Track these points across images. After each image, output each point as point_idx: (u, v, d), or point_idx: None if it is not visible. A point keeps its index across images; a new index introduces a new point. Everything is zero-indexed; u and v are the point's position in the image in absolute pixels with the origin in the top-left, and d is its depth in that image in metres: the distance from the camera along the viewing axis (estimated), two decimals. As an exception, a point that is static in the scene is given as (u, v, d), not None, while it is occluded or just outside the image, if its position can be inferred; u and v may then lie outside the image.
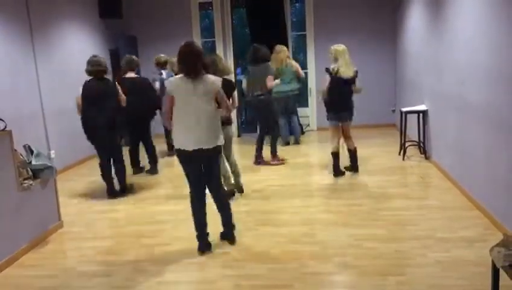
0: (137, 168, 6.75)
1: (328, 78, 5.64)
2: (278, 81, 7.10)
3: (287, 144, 8.09)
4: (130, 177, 6.22)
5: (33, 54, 6.50)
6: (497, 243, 2.43)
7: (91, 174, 6.55)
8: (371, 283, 3.27)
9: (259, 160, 6.82)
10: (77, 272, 3.73)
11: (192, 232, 3.94)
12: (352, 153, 6.02)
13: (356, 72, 5.67)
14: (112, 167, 5.61)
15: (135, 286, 3.41)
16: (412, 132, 6.99)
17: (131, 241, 4.30)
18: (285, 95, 7.81)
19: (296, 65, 7.99)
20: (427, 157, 6.52)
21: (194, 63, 3.65)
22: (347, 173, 6.01)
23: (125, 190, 5.67)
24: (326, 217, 4.60)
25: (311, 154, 7.70)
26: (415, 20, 7.28)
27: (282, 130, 8.00)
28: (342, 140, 5.92)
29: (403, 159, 6.62)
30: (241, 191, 5.40)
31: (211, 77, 3.80)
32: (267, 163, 6.78)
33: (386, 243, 3.90)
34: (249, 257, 3.79)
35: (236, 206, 5.04)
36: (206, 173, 3.87)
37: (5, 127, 3.97)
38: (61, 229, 4.66)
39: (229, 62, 9.22)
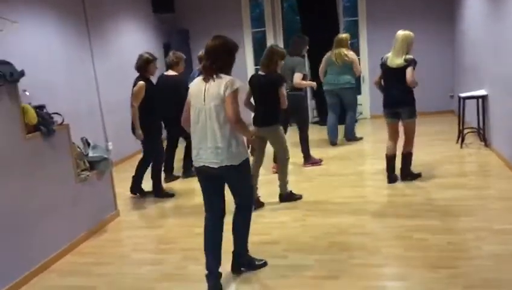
0: (170, 175, 6.19)
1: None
2: (313, 84, 6.39)
3: (334, 144, 7.29)
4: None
5: (90, 49, 6.78)
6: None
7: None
8: (422, 276, 3.17)
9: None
10: (131, 259, 3.89)
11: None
12: (402, 157, 5.22)
13: (408, 61, 4.83)
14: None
15: (185, 274, 3.51)
16: (471, 119, 6.68)
17: (182, 230, 4.42)
18: (338, 88, 7.17)
19: (353, 58, 7.12)
20: (486, 145, 6.22)
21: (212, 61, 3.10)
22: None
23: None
24: (377, 208, 4.51)
25: (364, 141, 7.48)
26: (475, 4, 6.91)
27: (330, 129, 7.36)
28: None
29: (461, 146, 6.35)
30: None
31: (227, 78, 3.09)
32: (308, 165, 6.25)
33: (438, 234, 3.77)
34: (295, 247, 3.78)
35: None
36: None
37: (63, 121, 4.17)
38: (118, 218, 4.86)
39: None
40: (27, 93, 4.04)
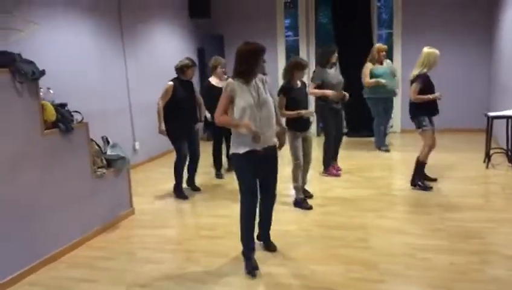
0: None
1: None
2: (329, 92, 6.01)
3: (386, 151, 7.56)
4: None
5: (123, 51, 7.02)
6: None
7: (171, 167, 6.84)
8: (415, 295, 3.14)
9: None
10: (136, 257, 4.01)
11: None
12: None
13: (414, 76, 5.19)
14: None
15: (184, 275, 3.59)
16: (502, 139, 6.48)
17: (190, 232, 4.52)
18: (386, 96, 7.44)
19: (391, 65, 7.69)
20: (514, 167, 6.02)
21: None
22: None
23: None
24: (387, 223, 4.45)
25: (390, 158, 7.39)
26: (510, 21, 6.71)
27: (378, 135, 7.64)
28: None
29: (487, 167, 6.17)
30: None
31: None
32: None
33: (442, 254, 3.69)
34: (295, 256, 3.80)
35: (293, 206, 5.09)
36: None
37: (82, 119, 4.36)
38: (132, 216, 5.01)
39: (311, 60, 9.23)
40: (51, 91, 4.23)
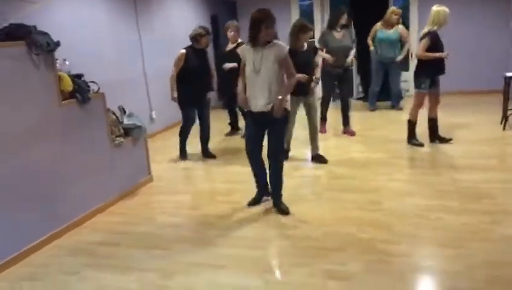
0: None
1: None
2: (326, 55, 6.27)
3: (373, 110, 8.15)
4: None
5: (136, 20, 7.04)
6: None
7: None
8: (424, 253, 3.22)
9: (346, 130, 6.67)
10: (155, 221, 4.16)
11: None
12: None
13: (423, 34, 5.31)
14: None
15: (199, 237, 3.73)
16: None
17: (206, 197, 4.65)
18: (384, 61, 7.74)
19: (403, 31, 7.74)
20: (531, 128, 5.97)
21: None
22: (433, 143, 5.75)
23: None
24: (399, 186, 4.51)
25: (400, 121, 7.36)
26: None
27: (370, 95, 8.17)
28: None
29: (504, 128, 6.12)
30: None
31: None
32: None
33: (454, 215, 3.75)
34: (310, 219, 3.89)
35: (308, 170, 5.17)
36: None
37: (98, 89, 4.45)
38: (151, 183, 5.15)
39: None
40: (67, 62, 4.31)
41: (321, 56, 6.00)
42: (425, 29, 5.27)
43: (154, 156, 5.78)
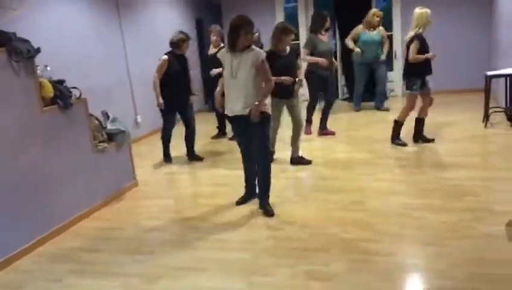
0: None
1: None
2: (319, 60, 6.15)
3: (358, 110, 8.26)
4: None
5: (119, 23, 7.02)
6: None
7: (173, 139, 6.91)
8: (407, 252, 3.24)
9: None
10: (141, 226, 4.14)
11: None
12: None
13: (411, 37, 5.32)
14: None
15: (182, 240, 3.72)
16: (502, 99, 6.48)
17: (190, 201, 4.65)
18: (368, 62, 7.84)
19: (384, 32, 7.88)
20: (512, 125, 6.05)
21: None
22: (417, 142, 5.80)
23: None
24: (383, 186, 4.54)
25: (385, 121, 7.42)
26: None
27: (355, 96, 8.25)
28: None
29: (485, 126, 6.20)
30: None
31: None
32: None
33: (437, 213, 3.78)
34: (294, 220, 3.90)
35: (293, 171, 5.19)
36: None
37: (80, 95, 4.43)
38: (136, 188, 5.14)
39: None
40: (49, 68, 4.30)
41: (313, 60, 6.05)
42: (411, 33, 5.31)
43: (139, 161, 5.78)
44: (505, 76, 6.15)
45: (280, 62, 4.88)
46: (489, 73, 6.31)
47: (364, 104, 8.39)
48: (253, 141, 4.03)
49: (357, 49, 7.76)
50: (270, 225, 3.86)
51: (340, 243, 3.44)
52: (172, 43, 5.56)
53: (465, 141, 5.71)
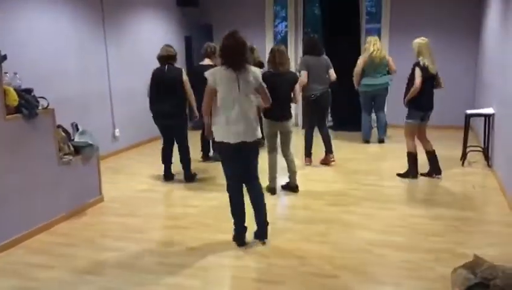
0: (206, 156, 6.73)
1: (419, 73, 5.29)
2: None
3: (367, 141, 7.76)
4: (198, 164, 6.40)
5: (104, 38, 6.96)
6: (463, 264, 2.23)
7: (152, 155, 6.77)
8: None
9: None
10: (97, 244, 4.02)
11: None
12: (434, 155, 5.68)
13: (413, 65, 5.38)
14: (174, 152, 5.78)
15: (137, 263, 3.61)
16: (481, 137, 6.47)
17: (156, 221, 4.54)
18: (376, 89, 7.51)
19: (389, 58, 7.60)
20: (489, 165, 6.00)
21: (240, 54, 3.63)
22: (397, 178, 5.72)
23: (190, 178, 5.78)
24: (350, 219, 4.45)
25: (374, 152, 7.39)
26: (491, 18, 6.69)
27: (364, 127, 7.77)
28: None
29: (462, 164, 6.16)
30: (294, 189, 5.27)
31: (253, 68, 3.78)
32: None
33: (399, 251, 3.71)
34: (254, 250, 3.80)
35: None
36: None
37: (48, 105, 4.34)
38: (101, 204, 5.01)
39: (299, 51, 9.16)
40: (18, 76, 4.22)
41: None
42: (435, 65, 5.41)
43: (113, 176, 5.68)
44: (484, 116, 6.14)
45: (278, 83, 4.83)
46: (469, 112, 6.31)
47: (351, 133, 8.27)
48: (252, 164, 3.86)
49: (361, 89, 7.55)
50: (228, 254, 3.75)
51: (297, 277, 3.35)
52: (168, 58, 5.54)
53: (441, 179, 5.65)
